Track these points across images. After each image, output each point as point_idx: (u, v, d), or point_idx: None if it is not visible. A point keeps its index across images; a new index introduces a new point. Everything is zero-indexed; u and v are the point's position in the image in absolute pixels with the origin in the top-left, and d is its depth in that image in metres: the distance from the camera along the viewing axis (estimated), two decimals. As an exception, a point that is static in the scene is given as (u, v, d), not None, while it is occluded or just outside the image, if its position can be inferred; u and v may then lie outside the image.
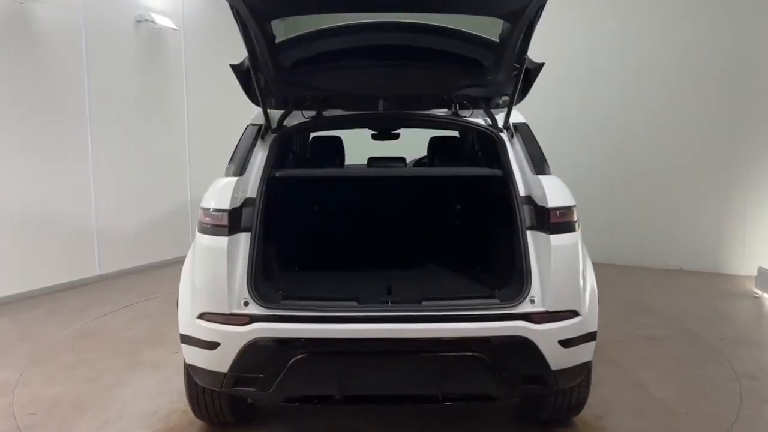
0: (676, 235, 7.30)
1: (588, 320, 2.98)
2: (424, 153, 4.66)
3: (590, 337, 3.02)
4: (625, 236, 7.59)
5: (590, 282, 3.11)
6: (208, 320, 2.91)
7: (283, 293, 3.06)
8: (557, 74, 6.86)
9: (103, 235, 6.84)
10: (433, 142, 4.35)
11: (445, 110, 3.49)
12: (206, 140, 8.13)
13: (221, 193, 2.97)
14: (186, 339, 2.98)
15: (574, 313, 2.94)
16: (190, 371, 3.04)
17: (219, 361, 2.81)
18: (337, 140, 4.25)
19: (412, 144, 4.92)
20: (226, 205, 2.91)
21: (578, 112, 7.77)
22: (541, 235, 2.95)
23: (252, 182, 3.12)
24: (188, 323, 2.95)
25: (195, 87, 8.07)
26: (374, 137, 4.31)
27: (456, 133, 4.63)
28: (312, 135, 4.55)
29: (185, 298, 3.04)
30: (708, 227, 7.08)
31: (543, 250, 2.93)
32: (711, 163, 7.01)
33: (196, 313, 2.93)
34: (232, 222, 2.92)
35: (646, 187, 7.44)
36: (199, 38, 8.15)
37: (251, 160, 3.16)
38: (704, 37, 6.95)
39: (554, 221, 2.94)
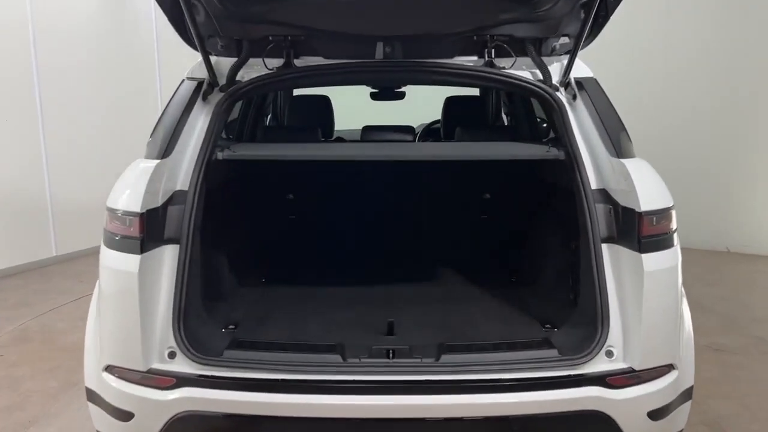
0: (722, 215, 6.51)
1: (685, 373, 1.97)
2: (434, 115, 3.52)
3: (686, 395, 2.06)
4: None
5: (687, 315, 2.08)
6: (118, 376, 1.90)
7: (234, 330, 2.03)
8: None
9: (59, 211, 5.80)
10: (451, 104, 3.22)
11: (474, 58, 2.36)
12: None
13: (132, 185, 1.90)
14: (91, 396, 2.03)
15: (669, 368, 1.92)
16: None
17: None
18: (323, 101, 3.15)
19: (419, 103, 3.83)
20: (137, 206, 1.84)
21: (617, 85, 6.63)
22: (626, 252, 1.90)
23: (185, 167, 2.04)
24: (93, 375, 2.02)
25: (167, 40, 6.85)
26: (374, 96, 3.22)
27: (480, 92, 3.51)
28: (292, 94, 3.44)
29: (90, 336, 2.09)
30: (756, 207, 6.40)
31: (629, 276, 1.90)
32: (761, 142, 6.29)
33: (103, 364, 1.93)
34: (148, 230, 1.87)
35: (691, 165, 6.59)
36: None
37: (184, 133, 2.07)
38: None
39: (648, 232, 1.87)
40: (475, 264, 2.83)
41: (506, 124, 3.71)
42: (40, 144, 5.70)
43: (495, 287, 2.57)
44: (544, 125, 3.12)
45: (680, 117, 6.55)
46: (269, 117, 3.75)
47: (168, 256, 1.92)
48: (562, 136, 2.15)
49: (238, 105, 3.22)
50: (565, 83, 2.22)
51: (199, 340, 1.90)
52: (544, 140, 2.51)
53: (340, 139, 3.40)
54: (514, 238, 2.78)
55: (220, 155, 2.09)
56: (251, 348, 1.91)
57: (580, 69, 2.27)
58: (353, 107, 3.90)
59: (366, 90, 3.38)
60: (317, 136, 2.65)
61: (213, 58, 2.24)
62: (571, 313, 2.08)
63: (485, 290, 2.55)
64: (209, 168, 2.06)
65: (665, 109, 6.58)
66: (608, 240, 1.94)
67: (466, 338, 2.04)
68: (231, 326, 2.16)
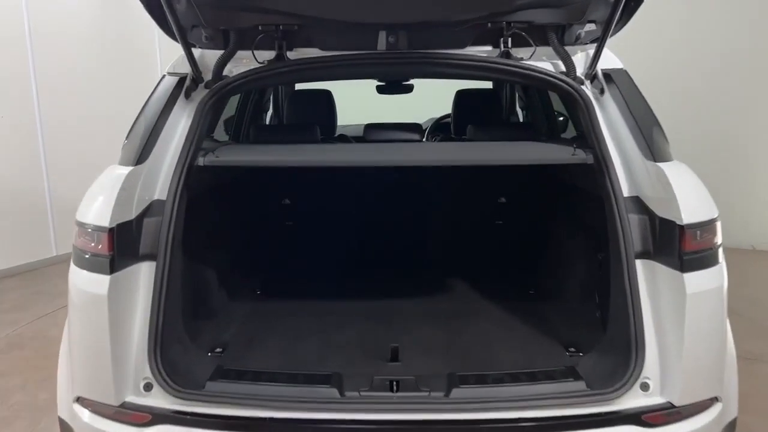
0: (748, 212, 6.20)
1: (730, 404, 1.82)
2: (445, 108, 3.27)
3: (730, 429, 1.85)
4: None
5: (730, 339, 1.83)
6: (90, 410, 1.69)
7: (221, 354, 1.81)
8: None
9: (58, 211, 5.62)
10: (462, 98, 2.96)
11: (489, 48, 2.10)
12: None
13: (101, 196, 1.68)
14: (64, 427, 1.83)
15: (712, 401, 1.67)
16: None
17: None
18: (324, 97, 2.91)
19: (428, 95, 3.58)
20: (106, 220, 1.62)
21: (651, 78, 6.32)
22: (664, 270, 1.65)
23: (164, 173, 1.81)
24: (65, 405, 1.83)
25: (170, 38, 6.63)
26: (380, 90, 2.98)
27: (493, 85, 3.25)
28: (294, 88, 3.20)
29: (63, 361, 1.87)
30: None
31: (667, 297, 1.66)
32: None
33: (74, 394, 1.71)
34: (119, 247, 1.64)
35: (714, 159, 6.23)
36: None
37: (164, 135, 1.84)
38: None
39: (691, 248, 1.61)
40: (489, 276, 2.58)
41: (521, 119, 3.45)
42: (39, 143, 5.53)
43: (511, 302, 2.33)
44: (561, 118, 2.86)
45: (703, 111, 6.25)
46: (270, 113, 3.52)
47: (144, 275, 1.70)
48: (588, 136, 1.89)
49: (234, 101, 2.98)
50: (592, 76, 1.95)
51: (180, 370, 1.69)
52: (567, 139, 2.25)
53: (342, 137, 3.17)
54: (533, 248, 2.53)
55: (201, 161, 1.85)
56: (237, 378, 1.69)
57: (609, 60, 2.00)
58: (358, 100, 3.66)
59: (371, 83, 3.13)
60: (316, 135, 2.41)
61: (197, 52, 2.01)
62: (599, 335, 1.83)
63: (500, 306, 2.31)
64: (191, 174, 1.83)
65: (689, 104, 6.26)
66: (643, 255, 1.68)
67: (480, 365, 1.80)
68: (218, 350, 1.95)
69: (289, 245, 2.69)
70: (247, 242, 2.57)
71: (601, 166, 1.80)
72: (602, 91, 1.93)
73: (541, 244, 2.49)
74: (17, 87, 5.30)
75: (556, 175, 2.34)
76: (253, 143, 2.49)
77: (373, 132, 2.49)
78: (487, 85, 3.57)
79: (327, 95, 2.93)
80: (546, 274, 2.45)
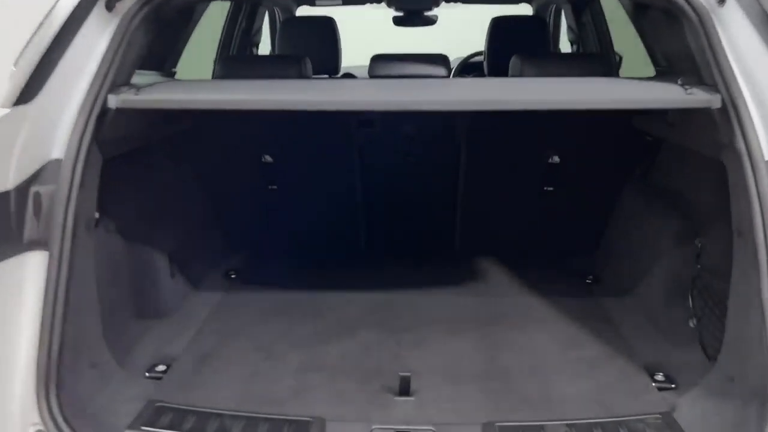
0: None
1: None
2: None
3: None
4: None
5: None
6: None
7: (162, 375, 1.28)
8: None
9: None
10: (500, 27, 2.29)
11: None
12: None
13: None
14: None
15: None
16: None
17: None
18: (325, 25, 2.27)
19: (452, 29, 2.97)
20: None
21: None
22: None
23: (67, 121, 1.21)
24: None
25: None
26: (397, 21, 2.47)
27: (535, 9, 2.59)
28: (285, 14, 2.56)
29: None
30: None
31: None
32: None
33: None
34: None
35: None
36: None
37: (70, 62, 1.23)
38: None
39: None
40: (534, 261, 1.98)
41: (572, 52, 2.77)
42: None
43: (565, 298, 1.73)
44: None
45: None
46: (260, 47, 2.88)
47: (33, 271, 1.13)
48: (703, 69, 1.24)
49: (215, 29, 2.36)
50: None
51: (90, 409, 1.14)
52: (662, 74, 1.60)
53: (348, 77, 2.53)
54: (596, 224, 1.92)
55: (113, 101, 1.24)
56: (171, 427, 1.13)
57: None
58: (368, 34, 3.00)
59: (385, 14, 2.48)
60: (303, 70, 1.77)
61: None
62: (697, 356, 1.26)
63: (550, 304, 1.71)
64: (108, 120, 1.23)
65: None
66: None
67: (527, 407, 1.23)
68: (160, 367, 1.39)
69: (272, 217, 2.10)
70: (217, 213, 1.99)
71: (728, 114, 1.16)
72: (722, 1, 1.27)
73: (609, 219, 1.88)
74: None
75: (637, 127, 1.70)
76: (217, 78, 1.88)
77: (383, 65, 1.84)
78: (526, 10, 2.89)
79: (329, 24, 2.28)
80: (613, 261, 1.84)
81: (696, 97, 1.21)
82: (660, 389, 1.31)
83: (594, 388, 1.31)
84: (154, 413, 1.18)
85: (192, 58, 2.46)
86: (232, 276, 1.94)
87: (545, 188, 2.00)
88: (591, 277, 1.90)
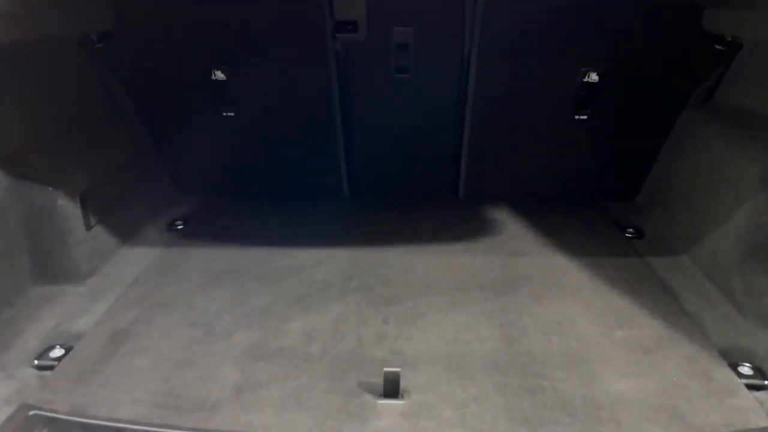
0: None
1: None
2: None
3: None
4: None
5: None
6: None
7: (56, 364, 0.91)
8: None
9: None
10: None
11: None
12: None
13: None
14: None
15: None
16: None
17: None
18: None
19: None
20: None
21: None
22: None
23: None
24: None
25: None
26: None
27: None
28: None
29: None
30: None
31: None
32: None
33: None
34: None
35: None
36: None
37: None
38: None
39: None
40: (559, 210, 1.60)
41: None
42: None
43: (601, 257, 1.36)
44: None
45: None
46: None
47: None
48: None
49: None
50: None
51: None
52: None
53: None
54: (638, 159, 1.53)
55: None
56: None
57: None
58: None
59: None
60: None
61: None
62: None
63: (583, 266, 1.34)
64: None
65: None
66: None
67: (565, 415, 0.87)
68: (55, 352, 1.05)
69: (227, 152, 1.71)
70: (157, 145, 1.61)
71: None
72: None
73: (658, 154, 1.49)
74: None
75: (707, 28, 1.30)
76: None
77: None
78: None
79: None
80: (661, 209, 1.46)
81: None
82: (750, 387, 0.94)
83: (659, 387, 0.94)
84: (19, 428, 0.82)
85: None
86: (179, 226, 1.58)
87: (576, 116, 1.59)
88: (631, 230, 1.53)
